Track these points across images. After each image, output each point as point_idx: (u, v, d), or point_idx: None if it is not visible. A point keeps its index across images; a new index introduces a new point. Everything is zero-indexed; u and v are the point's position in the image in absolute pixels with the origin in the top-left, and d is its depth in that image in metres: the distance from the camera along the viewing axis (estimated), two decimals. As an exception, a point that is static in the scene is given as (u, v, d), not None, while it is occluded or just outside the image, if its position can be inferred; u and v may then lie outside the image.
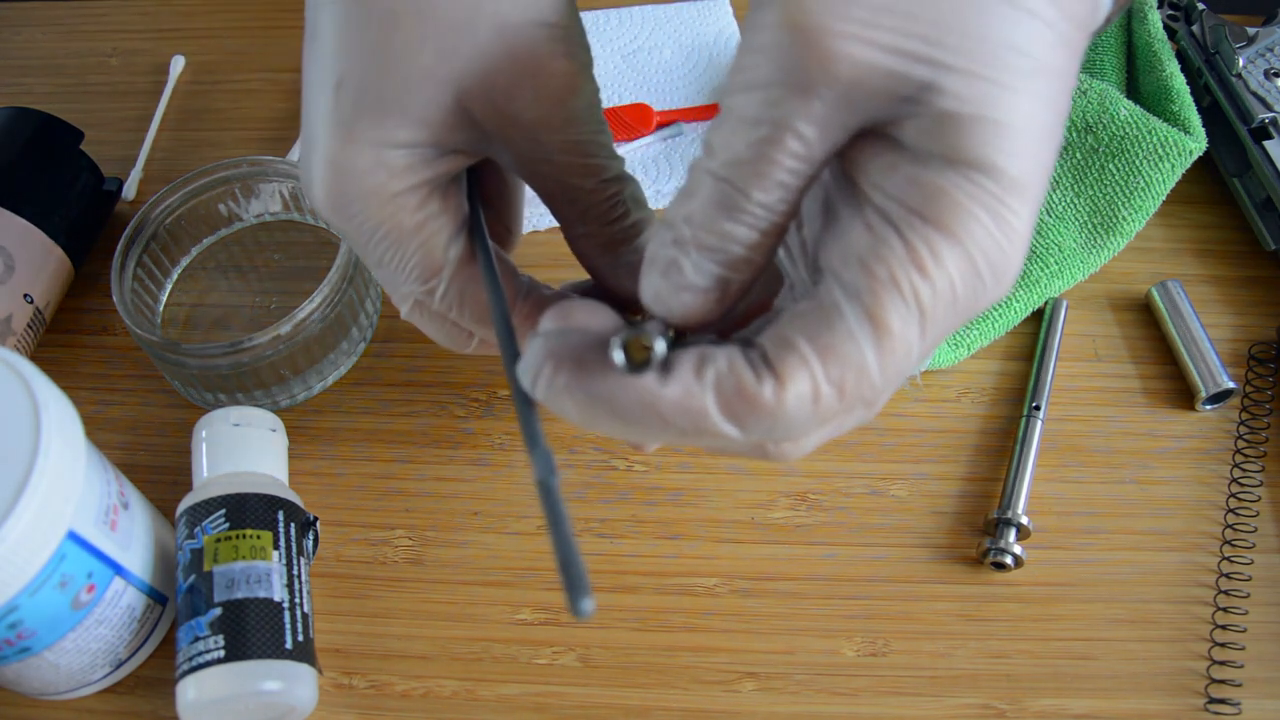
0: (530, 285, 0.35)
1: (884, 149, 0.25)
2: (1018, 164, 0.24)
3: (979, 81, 0.24)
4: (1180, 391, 0.46)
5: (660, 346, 0.26)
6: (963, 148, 0.24)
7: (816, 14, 0.23)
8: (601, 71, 0.57)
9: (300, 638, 0.38)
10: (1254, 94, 0.49)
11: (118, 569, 0.37)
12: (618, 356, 0.26)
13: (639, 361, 0.26)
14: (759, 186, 0.25)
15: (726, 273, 0.26)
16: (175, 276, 0.51)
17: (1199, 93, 0.51)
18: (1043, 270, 0.47)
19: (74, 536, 0.35)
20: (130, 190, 0.54)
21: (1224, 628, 0.41)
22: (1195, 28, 0.52)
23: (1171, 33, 0.53)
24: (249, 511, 0.39)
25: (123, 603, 0.38)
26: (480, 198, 0.35)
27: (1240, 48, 0.50)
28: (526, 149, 0.32)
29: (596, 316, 0.29)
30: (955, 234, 0.24)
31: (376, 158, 0.30)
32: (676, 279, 0.26)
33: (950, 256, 0.24)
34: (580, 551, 0.24)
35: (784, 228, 0.26)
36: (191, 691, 0.37)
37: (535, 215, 0.52)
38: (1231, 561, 0.42)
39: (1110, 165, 0.48)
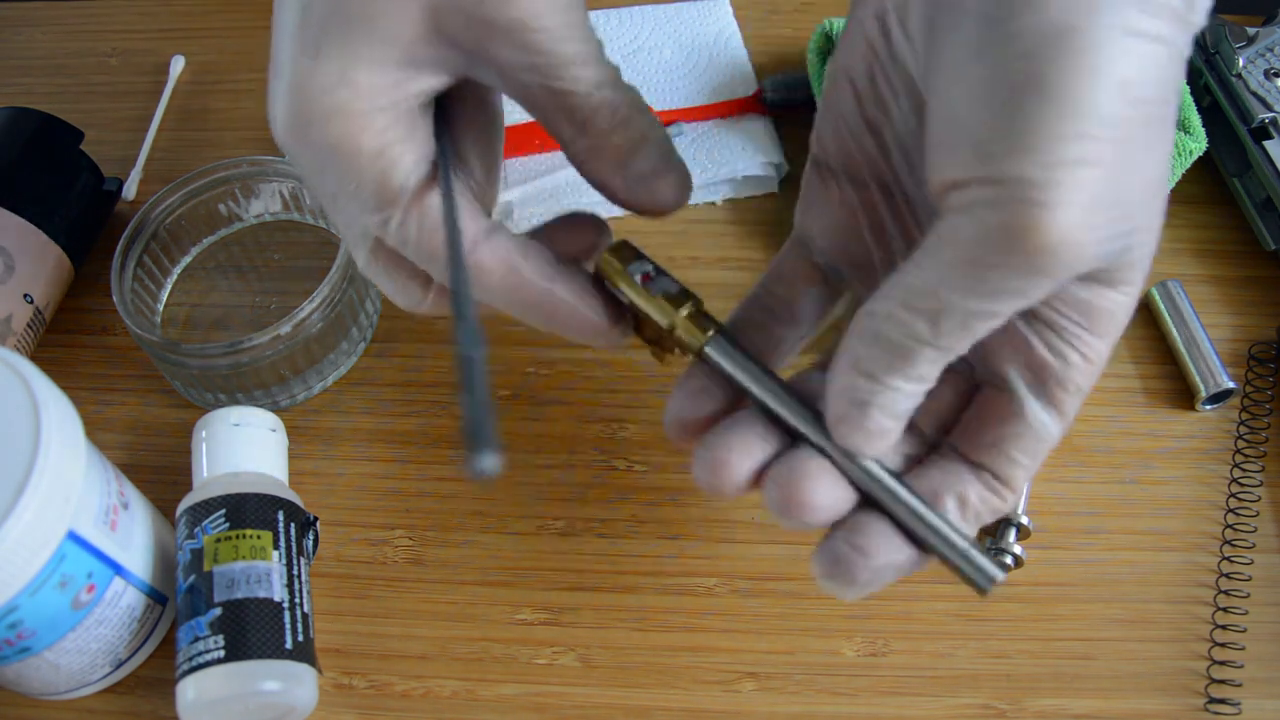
0: (494, 228, 0.32)
1: None
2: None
3: (1146, 234, 0.27)
4: (1180, 391, 0.46)
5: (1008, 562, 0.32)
6: (1125, 280, 0.28)
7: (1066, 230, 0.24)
8: (601, 71, 0.57)
9: (300, 638, 0.38)
10: (1254, 94, 0.49)
11: (118, 569, 0.37)
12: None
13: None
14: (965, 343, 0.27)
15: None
16: (175, 276, 0.51)
17: (1199, 93, 0.51)
18: (1043, 270, 0.47)
19: (74, 536, 0.35)
20: (130, 190, 0.54)
21: (1224, 628, 0.41)
22: (1195, 28, 0.52)
23: (1171, 33, 0.53)
24: (249, 511, 0.39)
25: (123, 603, 0.38)
26: (454, 134, 0.33)
27: (1240, 48, 0.50)
28: (509, 57, 0.30)
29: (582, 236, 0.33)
30: (1109, 336, 0.29)
31: (341, 76, 0.29)
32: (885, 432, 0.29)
33: (1104, 352, 0.30)
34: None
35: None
36: (191, 691, 0.37)
37: (537, 215, 0.52)
38: (1231, 561, 0.42)
39: (1110, 165, 0.48)
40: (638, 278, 0.32)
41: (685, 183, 0.33)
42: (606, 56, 0.32)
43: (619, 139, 0.32)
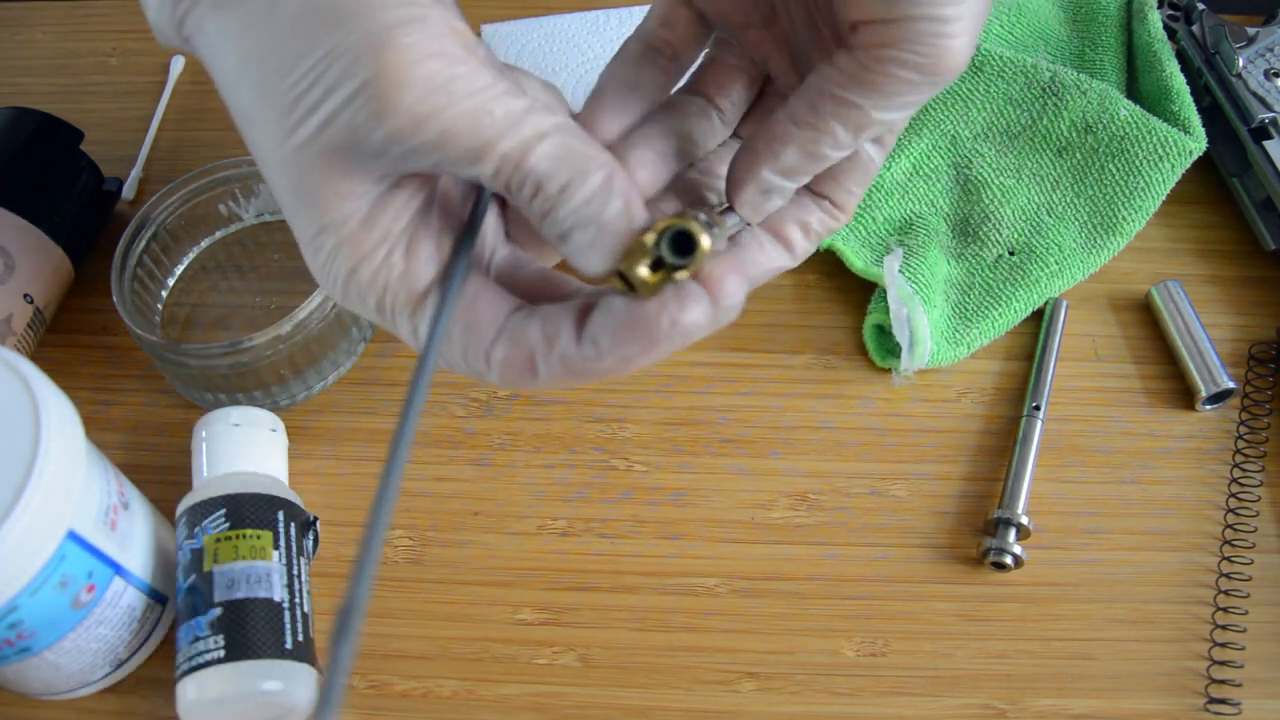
0: (523, 313, 0.29)
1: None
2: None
3: None
4: (1180, 391, 0.46)
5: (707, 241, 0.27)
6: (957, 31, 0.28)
7: None
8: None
9: (300, 638, 0.38)
10: (1254, 94, 0.49)
11: (118, 569, 0.37)
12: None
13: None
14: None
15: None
16: (175, 276, 0.51)
17: (1199, 93, 0.51)
18: (1043, 270, 0.47)
19: (74, 536, 0.35)
20: (130, 190, 0.54)
21: (1224, 628, 0.41)
22: (1195, 28, 0.53)
23: (1171, 33, 0.53)
24: (249, 511, 0.39)
25: (123, 603, 0.38)
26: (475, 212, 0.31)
27: (1240, 48, 0.50)
28: (435, 166, 0.27)
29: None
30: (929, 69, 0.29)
31: (327, 239, 0.28)
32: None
33: (919, 88, 0.28)
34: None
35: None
36: (191, 691, 0.37)
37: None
38: (1231, 561, 0.42)
39: (1110, 165, 0.48)
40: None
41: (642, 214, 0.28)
42: (530, 87, 0.29)
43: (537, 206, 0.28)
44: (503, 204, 0.32)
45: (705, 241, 0.26)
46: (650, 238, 0.27)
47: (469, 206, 0.30)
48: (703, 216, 0.28)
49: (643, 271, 0.27)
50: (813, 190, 0.33)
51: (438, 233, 0.29)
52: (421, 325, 0.29)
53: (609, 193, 0.27)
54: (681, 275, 0.27)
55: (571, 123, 0.28)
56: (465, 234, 0.29)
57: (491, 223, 0.31)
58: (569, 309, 0.28)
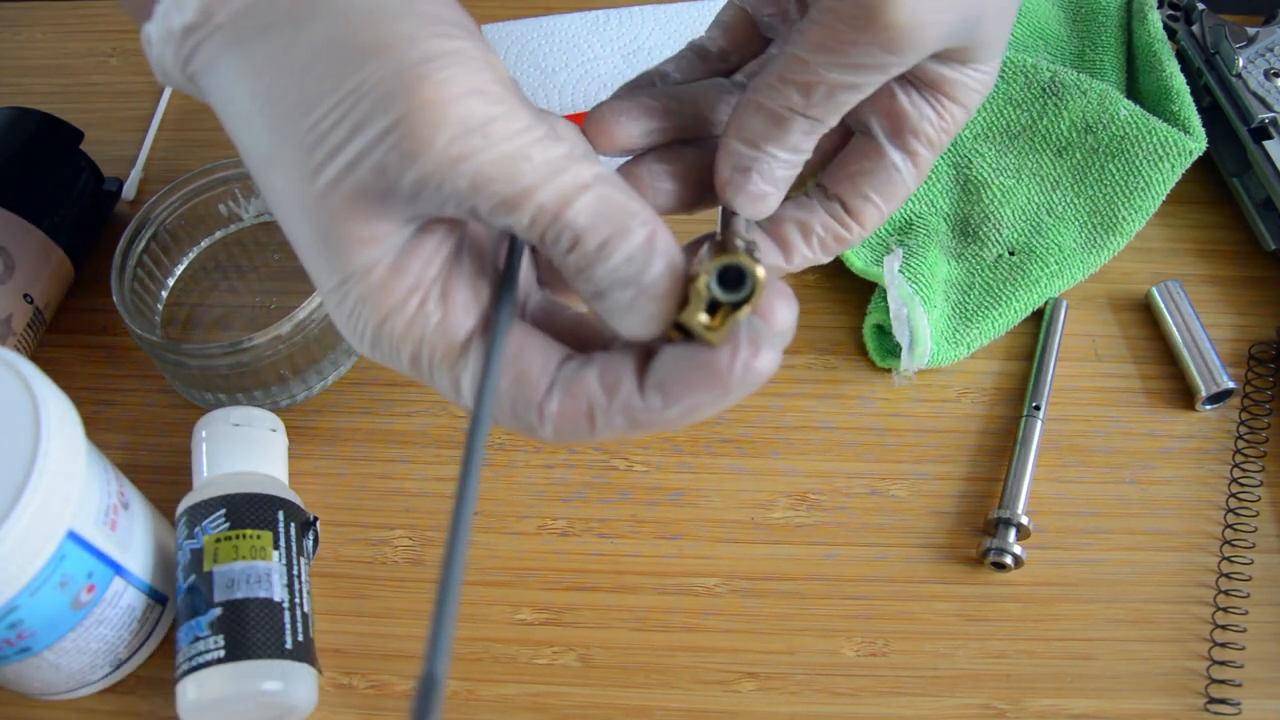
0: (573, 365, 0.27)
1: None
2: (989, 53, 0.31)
3: (998, 17, 0.29)
4: (1180, 391, 0.46)
5: (760, 272, 0.26)
6: (980, 59, 0.30)
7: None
8: (602, 71, 0.57)
9: (300, 638, 0.38)
10: (1254, 94, 0.49)
11: (118, 569, 0.37)
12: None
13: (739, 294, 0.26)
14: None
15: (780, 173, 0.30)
16: (175, 276, 0.51)
17: (1199, 93, 0.51)
18: (1043, 270, 0.47)
19: (74, 536, 0.35)
20: (130, 190, 0.54)
21: (1224, 628, 0.41)
22: (1195, 28, 0.53)
23: (1171, 33, 0.53)
24: (249, 511, 0.39)
25: (123, 603, 0.38)
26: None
27: (1240, 48, 0.50)
28: (468, 212, 0.25)
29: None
30: (967, 105, 0.31)
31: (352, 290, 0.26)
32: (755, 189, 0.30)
33: (960, 117, 0.31)
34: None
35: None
36: (191, 691, 0.37)
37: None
38: (1231, 561, 0.42)
39: (1110, 165, 0.48)
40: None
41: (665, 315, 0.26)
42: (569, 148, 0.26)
43: (573, 260, 0.26)
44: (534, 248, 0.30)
45: (760, 271, 0.25)
46: (702, 280, 0.25)
47: (503, 250, 0.28)
48: (740, 244, 0.26)
49: (703, 318, 0.25)
50: (825, 190, 0.32)
51: (472, 279, 0.27)
52: (464, 378, 0.26)
53: (651, 252, 0.25)
54: (745, 312, 0.25)
55: (613, 174, 0.26)
56: (504, 279, 0.27)
57: (524, 266, 0.29)
58: (628, 356, 0.26)
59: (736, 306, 0.25)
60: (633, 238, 0.25)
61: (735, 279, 0.25)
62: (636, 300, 0.25)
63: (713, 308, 0.25)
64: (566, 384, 0.26)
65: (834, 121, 0.29)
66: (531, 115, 0.25)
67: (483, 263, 0.28)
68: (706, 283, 0.25)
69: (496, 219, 0.25)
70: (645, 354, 0.26)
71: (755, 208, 0.30)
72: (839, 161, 0.33)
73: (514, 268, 0.28)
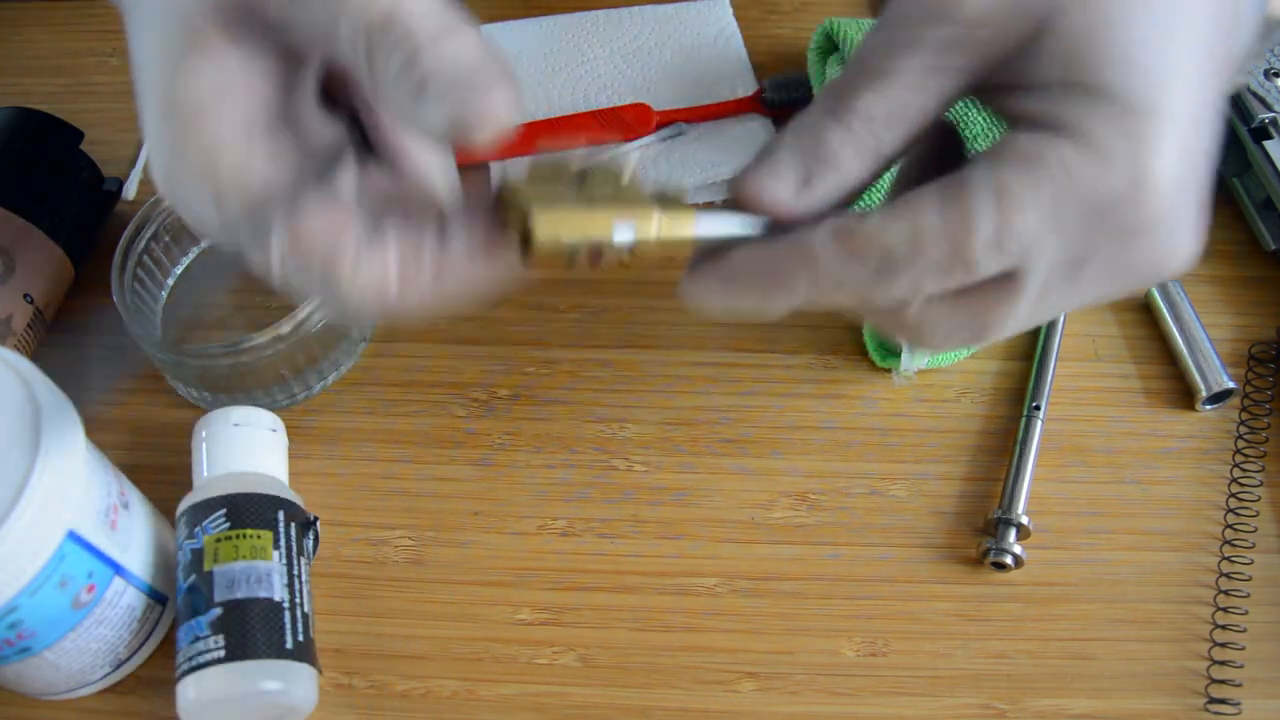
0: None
1: (1017, 95, 0.28)
2: (1139, 84, 0.26)
3: (1093, 5, 0.26)
4: (1180, 391, 0.46)
5: None
6: (1076, 70, 0.26)
7: None
8: (602, 71, 0.57)
9: (300, 638, 0.38)
10: (1254, 94, 0.49)
11: (118, 569, 0.37)
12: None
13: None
14: (871, 99, 0.28)
15: (813, 171, 0.28)
16: (175, 276, 0.51)
17: (1199, 93, 0.51)
18: (1043, 270, 0.47)
19: (74, 536, 0.35)
20: (130, 190, 0.54)
21: (1224, 628, 0.41)
22: (1195, 28, 0.52)
23: (1171, 33, 0.53)
24: (249, 511, 0.39)
25: (123, 603, 0.38)
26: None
27: (1240, 48, 0.50)
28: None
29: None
30: (1095, 145, 0.26)
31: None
32: (769, 166, 0.28)
33: (1081, 164, 0.26)
34: None
35: (882, 157, 0.28)
36: (192, 691, 0.37)
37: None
38: (1231, 561, 0.42)
39: (1110, 165, 0.48)
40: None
41: (515, 94, 0.26)
42: None
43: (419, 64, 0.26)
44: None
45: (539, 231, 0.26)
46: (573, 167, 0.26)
47: (322, 130, 0.29)
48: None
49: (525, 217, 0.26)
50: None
51: (292, 137, 0.28)
52: (267, 229, 0.26)
53: (485, 48, 0.25)
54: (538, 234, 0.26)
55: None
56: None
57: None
58: (430, 223, 0.27)
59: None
60: (466, 34, 0.25)
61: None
62: (463, 93, 0.25)
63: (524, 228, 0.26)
64: (373, 242, 0.26)
65: (886, 133, 0.28)
66: None
67: (302, 136, 0.28)
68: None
69: (327, 30, 0.26)
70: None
71: (761, 183, 0.29)
72: None
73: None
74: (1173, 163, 0.26)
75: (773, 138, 0.30)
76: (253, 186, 0.27)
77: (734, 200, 0.29)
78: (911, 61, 0.27)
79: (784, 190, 0.28)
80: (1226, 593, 0.41)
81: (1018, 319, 0.29)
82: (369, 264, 0.26)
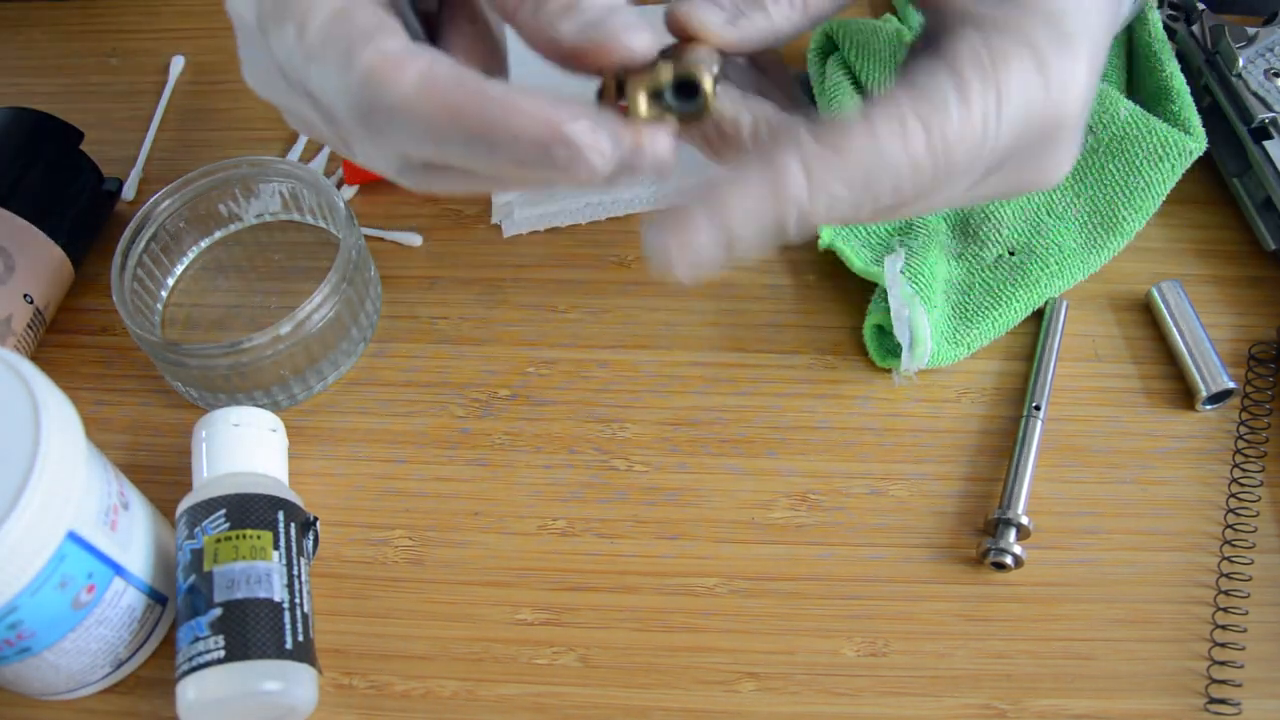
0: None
1: None
2: (1075, 12, 0.30)
3: None
4: (1180, 391, 0.46)
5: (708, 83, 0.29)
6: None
7: None
8: (601, 71, 0.57)
9: (300, 638, 0.38)
10: (1254, 94, 0.49)
11: (118, 569, 0.37)
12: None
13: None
14: None
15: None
16: (175, 276, 0.51)
17: (1199, 93, 0.51)
18: (1043, 270, 0.47)
19: (74, 537, 0.35)
20: (130, 190, 0.54)
21: (1224, 628, 0.41)
22: (1195, 28, 0.52)
23: (1171, 33, 0.53)
24: (249, 511, 0.39)
25: (123, 603, 0.38)
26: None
27: (1240, 48, 0.50)
28: None
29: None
30: (1043, 62, 0.29)
31: None
32: None
33: (1021, 69, 0.29)
34: None
35: (809, 15, 0.31)
36: (191, 691, 0.37)
37: (535, 216, 0.52)
38: (1231, 561, 0.42)
39: (1110, 165, 0.48)
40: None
41: (647, 28, 0.29)
42: None
43: None
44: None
45: (708, 88, 0.28)
46: (664, 73, 0.28)
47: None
48: (704, 59, 0.29)
49: (643, 100, 0.29)
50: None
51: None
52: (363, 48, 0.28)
53: None
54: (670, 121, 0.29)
55: None
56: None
57: None
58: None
59: (674, 110, 0.29)
60: None
61: (688, 91, 0.29)
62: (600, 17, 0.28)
63: (653, 97, 0.29)
64: (407, 46, 0.28)
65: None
66: None
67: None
68: (666, 81, 0.28)
69: None
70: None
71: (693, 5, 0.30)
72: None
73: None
74: (1088, 84, 0.30)
75: None
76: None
77: (668, 19, 0.31)
78: None
79: (715, 17, 0.30)
80: (1226, 593, 0.41)
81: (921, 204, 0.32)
82: (394, 56, 0.28)
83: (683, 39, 0.30)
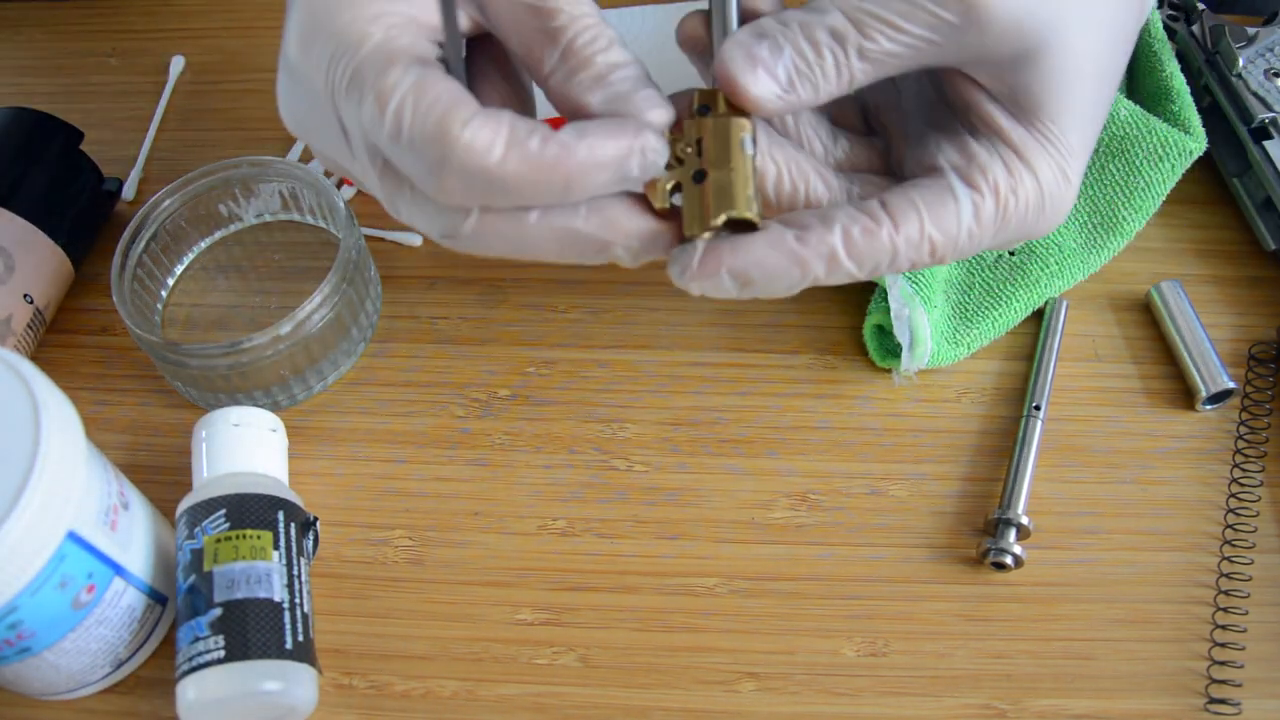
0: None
1: (975, 87, 0.34)
2: (1074, 131, 0.34)
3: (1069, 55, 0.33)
4: (1180, 391, 0.46)
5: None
6: (1037, 107, 0.34)
7: None
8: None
9: (300, 638, 0.38)
10: (1254, 94, 0.49)
11: (118, 569, 0.37)
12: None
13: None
14: (873, 37, 0.31)
15: (797, 76, 0.32)
16: (175, 276, 0.51)
17: (1199, 93, 0.51)
18: (1043, 270, 0.47)
19: (74, 537, 0.35)
20: (130, 190, 0.54)
21: (1224, 628, 0.41)
22: (1195, 28, 0.52)
23: (1171, 33, 0.53)
24: (249, 511, 0.39)
25: (123, 603, 0.38)
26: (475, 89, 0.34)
27: (1240, 48, 0.50)
28: None
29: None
30: (1031, 164, 0.34)
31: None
32: (755, 51, 0.32)
33: (1028, 176, 0.34)
34: None
35: (846, 87, 0.33)
36: (191, 691, 0.37)
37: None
38: (1231, 561, 0.42)
39: (1110, 165, 0.48)
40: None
41: (666, 104, 0.32)
42: None
43: (601, 60, 0.32)
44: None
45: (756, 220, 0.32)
46: (702, 194, 0.32)
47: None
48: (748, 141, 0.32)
49: (668, 187, 0.32)
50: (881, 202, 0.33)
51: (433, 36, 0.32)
52: (401, 83, 0.30)
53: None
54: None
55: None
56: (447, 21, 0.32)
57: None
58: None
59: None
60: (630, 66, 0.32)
61: (741, 228, 0.32)
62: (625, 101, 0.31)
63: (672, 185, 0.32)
64: (487, 112, 0.29)
65: (860, 77, 0.32)
66: None
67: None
68: (718, 222, 0.32)
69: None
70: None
71: (760, 96, 0.32)
72: (901, 186, 0.35)
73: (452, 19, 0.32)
74: (1076, 186, 0.35)
75: (762, 24, 0.32)
76: (392, 45, 0.30)
77: (718, 72, 0.32)
78: (918, 29, 0.31)
79: (768, 90, 0.32)
80: (1226, 593, 0.41)
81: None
82: (482, 124, 0.29)
83: (729, 100, 0.33)
